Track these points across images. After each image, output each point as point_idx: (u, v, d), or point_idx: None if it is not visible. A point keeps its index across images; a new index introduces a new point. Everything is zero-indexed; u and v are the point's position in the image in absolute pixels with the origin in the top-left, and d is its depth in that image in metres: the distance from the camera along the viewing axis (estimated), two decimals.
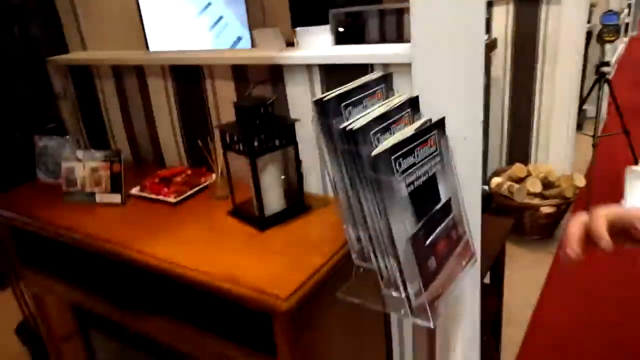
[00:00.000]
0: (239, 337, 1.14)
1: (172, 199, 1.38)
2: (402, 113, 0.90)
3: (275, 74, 1.31)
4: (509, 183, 2.76)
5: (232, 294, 0.98)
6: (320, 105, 0.82)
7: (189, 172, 1.50)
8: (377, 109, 0.86)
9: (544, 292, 2.31)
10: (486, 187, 2.91)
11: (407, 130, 0.86)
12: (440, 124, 0.91)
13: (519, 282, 2.31)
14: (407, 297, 0.84)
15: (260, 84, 1.32)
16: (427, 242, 0.86)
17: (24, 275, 1.66)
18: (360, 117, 0.82)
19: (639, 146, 3.17)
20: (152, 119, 1.69)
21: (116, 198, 1.43)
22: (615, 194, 0.72)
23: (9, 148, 1.92)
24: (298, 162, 1.22)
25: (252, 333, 1.13)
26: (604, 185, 2.81)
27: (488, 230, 1.44)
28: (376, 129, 0.82)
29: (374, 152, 0.77)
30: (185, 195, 1.40)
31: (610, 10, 2.95)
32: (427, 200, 0.88)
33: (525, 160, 3.08)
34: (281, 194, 1.24)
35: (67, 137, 1.63)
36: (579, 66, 2.86)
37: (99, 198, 1.45)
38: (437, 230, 0.90)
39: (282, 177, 1.24)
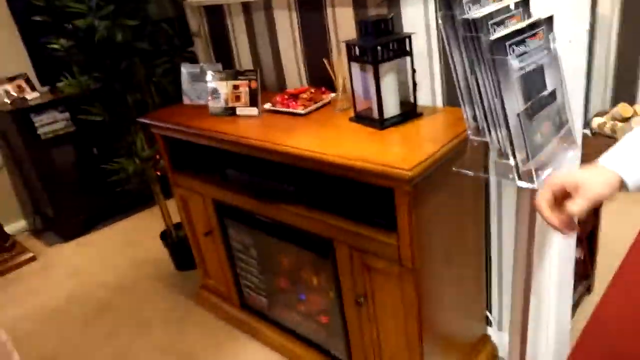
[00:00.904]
0: (364, 219, 1.38)
1: (301, 110, 1.63)
2: (515, 11, 1.05)
3: None
4: (612, 122, 2.72)
5: (364, 170, 1.20)
6: (447, 0, 0.99)
7: (312, 90, 1.74)
8: (493, 5, 1.02)
9: None
10: (587, 131, 2.88)
11: (521, 24, 1.01)
12: (549, 21, 1.04)
13: (617, 219, 2.34)
14: (516, 164, 1.01)
15: (380, 4, 1.50)
16: (534, 119, 1.02)
17: (176, 180, 2.02)
18: (480, 10, 0.98)
19: None
20: (276, 48, 1.94)
21: (254, 110, 1.71)
22: None
23: (153, 80, 2.27)
24: (413, 71, 1.40)
25: (374, 215, 1.36)
26: None
27: (588, 148, 1.52)
28: (493, 20, 0.98)
29: (493, 37, 0.94)
30: (311, 108, 1.64)
31: None
32: (535, 86, 1.03)
33: (631, 101, 2.98)
34: (397, 100, 1.43)
35: (209, 64, 1.93)
36: None
37: (239, 111, 1.74)
38: (543, 112, 1.05)
39: (398, 84, 1.42)
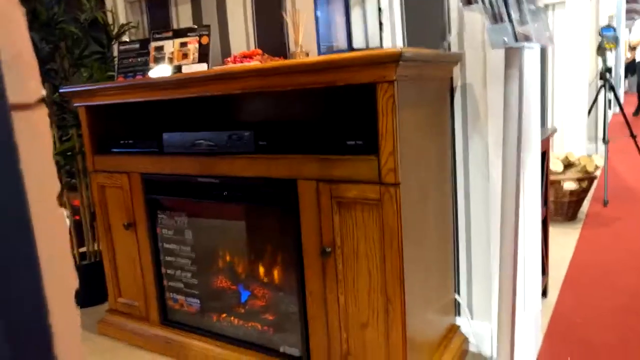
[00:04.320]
0: (335, 147, 1.23)
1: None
2: None
3: None
4: None
5: (345, 61, 1.10)
6: None
7: (266, 55, 1.65)
8: None
9: (577, 252, 2.38)
10: None
11: None
12: None
13: (552, 247, 2.38)
14: (512, 25, 0.97)
15: None
16: None
17: (95, 164, 1.73)
18: None
19: None
20: (226, 32, 1.87)
21: (202, 67, 1.57)
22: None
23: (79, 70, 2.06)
24: (379, 10, 1.39)
25: (347, 138, 1.22)
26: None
27: None
28: None
29: None
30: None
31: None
32: None
33: None
34: (364, 39, 1.39)
35: (149, 36, 1.80)
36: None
37: (185, 69, 1.58)
38: None
39: (363, 26, 1.39)
